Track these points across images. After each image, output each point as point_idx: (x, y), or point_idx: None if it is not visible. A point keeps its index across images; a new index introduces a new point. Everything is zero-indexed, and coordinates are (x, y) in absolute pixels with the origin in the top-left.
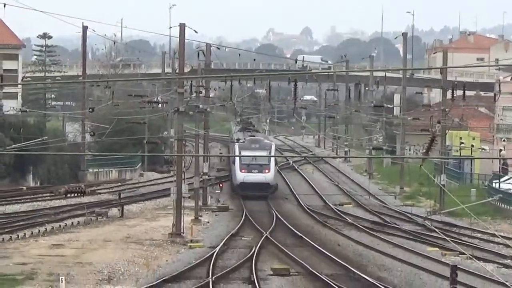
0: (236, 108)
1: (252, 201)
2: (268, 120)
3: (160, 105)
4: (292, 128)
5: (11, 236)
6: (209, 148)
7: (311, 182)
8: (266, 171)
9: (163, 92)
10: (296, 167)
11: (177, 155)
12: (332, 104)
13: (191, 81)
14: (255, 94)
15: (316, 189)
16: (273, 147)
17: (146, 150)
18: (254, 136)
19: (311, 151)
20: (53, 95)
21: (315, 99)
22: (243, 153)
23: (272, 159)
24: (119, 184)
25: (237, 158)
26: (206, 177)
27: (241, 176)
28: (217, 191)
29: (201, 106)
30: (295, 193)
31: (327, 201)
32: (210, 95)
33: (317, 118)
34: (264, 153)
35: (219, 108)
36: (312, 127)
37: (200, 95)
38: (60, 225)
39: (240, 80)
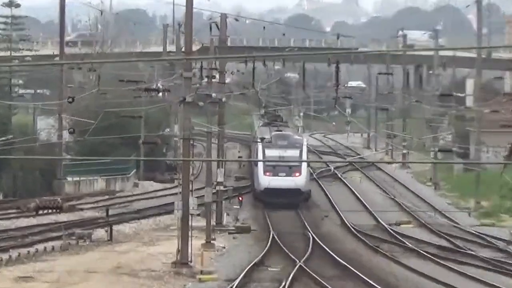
0: (260, 97)
1: (281, 219)
2: (301, 114)
3: (160, 93)
4: (333, 124)
5: None
6: (224, 150)
7: (358, 195)
8: (297, 174)
9: (164, 77)
10: (339, 175)
11: (183, 159)
12: (385, 92)
13: (201, 63)
14: (285, 79)
15: (365, 204)
16: (305, 144)
17: (143, 152)
18: (281, 131)
19: (359, 154)
20: (21, 81)
21: (364, 85)
22: (268, 152)
23: (304, 159)
24: (107, 197)
25: (260, 158)
26: (221, 188)
27: (265, 180)
28: (235, 207)
29: (214, 95)
30: (337, 208)
31: (379, 220)
32: (226, 81)
33: (366, 110)
34: (294, 152)
35: (237, 98)
36: (360, 123)
37: (213, 80)
38: (29, 252)
39: (265, 61)
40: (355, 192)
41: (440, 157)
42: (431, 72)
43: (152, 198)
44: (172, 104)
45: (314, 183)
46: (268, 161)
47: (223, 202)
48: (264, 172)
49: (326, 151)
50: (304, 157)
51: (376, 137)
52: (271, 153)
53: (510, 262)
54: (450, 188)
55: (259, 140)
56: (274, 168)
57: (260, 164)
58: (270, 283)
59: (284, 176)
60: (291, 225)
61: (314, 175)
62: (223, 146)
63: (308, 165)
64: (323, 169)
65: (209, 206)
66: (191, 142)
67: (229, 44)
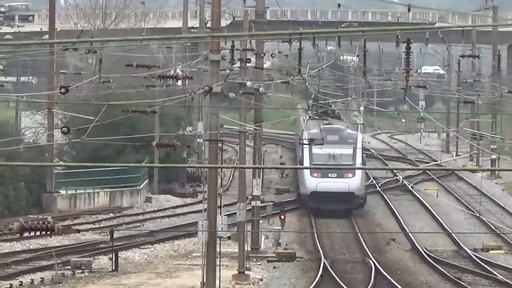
0: (309, 86)
1: (335, 243)
2: (362, 108)
3: (180, 82)
4: (403, 120)
5: None
6: (263, 155)
7: (434, 212)
8: (350, 175)
9: (185, 61)
10: (410, 187)
11: (209, 166)
12: (470, 80)
13: (233, 42)
14: (341, 63)
15: (443, 224)
16: (359, 140)
17: (157, 158)
18: (331, 124)
19: (435, 160)
20: (0, 66)
21: (442, 71)
22: (315, 149)
23: (359, 158)
24: (111, 215)
25: (306, 157)
26: (258, 203)
27: (312, 182)
28: (276, 227)
29: (249, 83)
30: (407, 229)
31: (461, 244)
32: (265, 66)
33: (444, 103)
34: (347, 150)
35: (280, 88)
36: (437, 120)
37: (248, 65)
38: (11, 285)
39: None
40: (430, 209)
41: None
42: None
43: (169, 216)
44: (195, 96)
45: (377, 196)
46: (317, 168)
47: (261, 221)
48: (311, 173)
49: (393, 156)
50: (359, 155)
51: (457, 138)
52: (320, 150)
53: None
54: None
55: (306, 142)
56: (322, 169)
57: (307, 163)
58: None
59: (334, 177)
60: (348, 251)
61: (378, 186)
62: (260, 149)
63: (364, 164)
64: (390, 179)
65: (242, 227)
66: (220, 144)
67: (268, 17)
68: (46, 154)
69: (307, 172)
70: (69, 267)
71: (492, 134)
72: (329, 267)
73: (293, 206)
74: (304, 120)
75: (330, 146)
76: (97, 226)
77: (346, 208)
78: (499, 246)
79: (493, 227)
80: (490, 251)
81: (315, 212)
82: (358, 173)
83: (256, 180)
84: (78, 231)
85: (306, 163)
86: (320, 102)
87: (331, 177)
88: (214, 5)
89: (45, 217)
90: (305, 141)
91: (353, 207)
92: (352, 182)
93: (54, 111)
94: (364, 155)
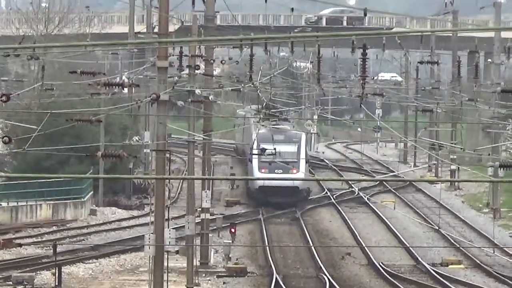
0: (260, 94)
1: (288, 257)
2: (316, 116)
3: (126, 90)
4: (359, 130)
5: None
6: (212, 166)
7: (391, 225)
8: (294, 170)
9: (131, 68)
10: (366, 199)
11: (156, 177)
12: (429, 87)
13: (181, 48)
14: (294, 70)
15: (401, 237)
16: (303, 139)
17: (102, 169)
18: (278, 125)
19: (392, 171)
20: None
21: (400, 78)
22: (263, 146)
23: (302, 155)
24: (54, 228)
25: (254, 137)
26: (207, 216)
27: (260, 177)
28: (226, 241)
29: (198, 91)
30: (362, 243)
31: (419, 258)
32: (215, 72)
33: (402, 112)
34: (291, 147)
35: (230, 95)
36: (394, 129)
37: (197, 72)
38: None
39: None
40: (387, 222)
41: (502, 174)
42: (489, 61)
43: (115, 230)
44: (142, 104)
45: (332, 209)
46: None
47: (210, 235)
48: (259, 168)
49: (348, 166)
50: (303, 152)
51: (415, 147)
52: (267, 147)
53: None
54: None
55: (256, 153)
56: (270, 164)
57: (255, 161)
58: None
59: (281, 173)
60: (301, 265)
61: (332, 198)
62: (210, 160)
63: (307, 162)
64: (345, 190)
65: (191, 241)
66: (168, 155)
67: (218, 22)
68: None
69: (255, 168)
70: (10, 283)
71: (451, 143)
72: (281, 283)
73: (244, 219)
74: (255, 128)
75: (276, 144)
76: (40, 239)
77: (291, 201)
78: (459, 261)
79: (452, 241)
80: (450, 266)
81: (263, 205)
82: (302, 169)
83: (205, 192)
84: (20, 245)
85: (255, 161)
86: (272, 110)
87: (278, 173)
88: (162, 9)
89: None
90: (256, 151)
91: (297, 200)
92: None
93: None
94: (307, 152)
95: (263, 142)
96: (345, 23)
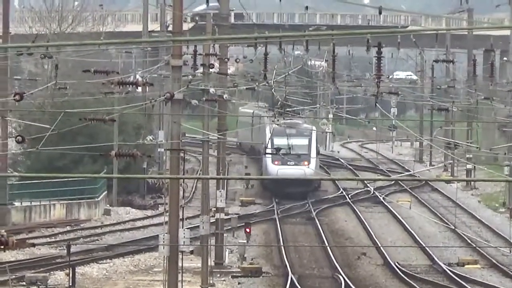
0: (275, 93)
1: (303, 257)
2: (331, 115)
3: (140, 88)
4: (374, 129)
5: None
6: (227, 166)
7: (407, 225)
8: (306, 163)
9: (145, 67)
10: (381, 198)
11: (170, 177)
12: (444, 86)
13: (195, 47)
14: (309, 68)
15: (417, 237)
16: (314, 133)
17: (116, 168)
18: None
19: (408, 170)
20: None
21: (415, 77)
22: (276, 140)
23: (313, 148)
24: (68, 228)
25: (268, 136)
26: (222, 216)
27: (273, 169)
28: (241, 241)
29: (212, 90)
30: (378, 243)
31: (435, 258)
32: (229, 71)
33: (417, 111)
34: (303, 140)
35: (245, 94)
36: (410, 128)
37: (211, 70)
38: None
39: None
40: (403, 221)
41: None
42: (505, 59)
43: (129, 230)
44: (156, 103)
45: (347, 208)
46: (277, 144)
47: (225, 235)
48: (273, 161)
49: (363, 166)
50: (314, 146)
51: (431, 147)
52: (280, 141)
53: None
54: None
55: (270, 152)
56: (282, 157)
57: (267, 139)
58: None
59: (293, 165)
60: (317, 266)
61: (348, 197)
62: (225, 159)
63: (318, 154)
64: (360, 190)
65: (205, 241)
66: (182, 154)
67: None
68: (0, 164)
69: (269, 162)
70: (24, 283)
71: (467, 142)
72: (296, 283)
73: (259, 219)
74: (270, 128)
75: (289, 137)
76: (53, 240)
77: (303, 192)
78: (475, 261)
79: (468, 241)
80: (466, 266)
81: (276, 194)
82: (313, 161)
83: (220, 192)
84: (33, 245)
85: (267, 139)
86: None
87: (290, 165)
88: (176, 8)
89: None
90: (269, 150)
91: (308, 190)
92: (308, 169)
93: (8, 119)
94: (318, 145)
95: (276, 136)
96: (360, 21)
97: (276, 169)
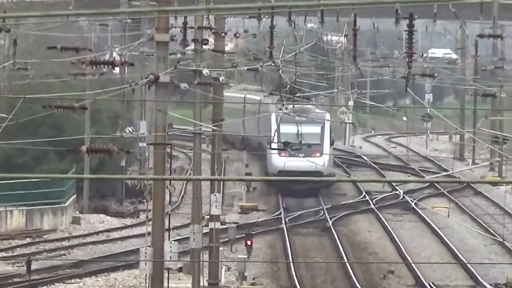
0: (283, 75)
1: (316, 275)
2: (351, 103)
3: (118, 69)
4: (404, 119)
5: None
6: (223, 164)
7: (444, 236)
8: (317, 154)
9: (124, 43)
10: (413, 204)
11: (154, 177)
12: (490, 67)
13: (185, 18)
14: (325, 45)
15: (456, 251)
16: (327, 119)
17: (88, 167)
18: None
19: (446, 170)
20: None
21: (454, 55)
22: (283, 128)
23: (327, 137)
24: (28, 240)
25: (273, 127)
26: (218, 225)
27: (280, 161)
28: (241, 256)
29: (206, 71)
30: (409, 259)
31: (479, 278)
32: (227, 48)
33: (457, 97)
34: (314, 128)
35: (246, 76)
36: (448, 118)
37: (205, 47)
38: None
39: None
40: (439, 232)
41: None
42: None
43: (103, 242)
44: (137, 87)
45: (371, 216)
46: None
47: (221, 248)
48: (279, 152)
49: (391, 164)
50: (327, 135)
51: (474, 141)
52: (288, 129)
53: None
54: None
55: (276, 146)
56: (290, 147)
57: (274, 143)
58: None
59: (302, 156)
60: (334, 286)
61: (372, 202)
62: (221, 156)
63: (332, 144)
64: (387, 194)
65: (197, 256)
66: (168, 149)
67: None
68: None
69: (274, 151)
70: None
71: None
72: None
73: (262, 229)
74: (275, 120)
75: (298, 125)
76: (10, 254)
77: (313, 188)
78: None
79: None
80: None
81: (282, 192)
82: (326, 151)
83: (214, 196)
84: None
85: (274, 142)
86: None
87: (299, 156)
88: None
89: None
90: (275, 145)
91: (320, 187)
92: (320, 161)
93: None
94: (333, 134)
95: (283, 123)
96: None
97: (283, 162)
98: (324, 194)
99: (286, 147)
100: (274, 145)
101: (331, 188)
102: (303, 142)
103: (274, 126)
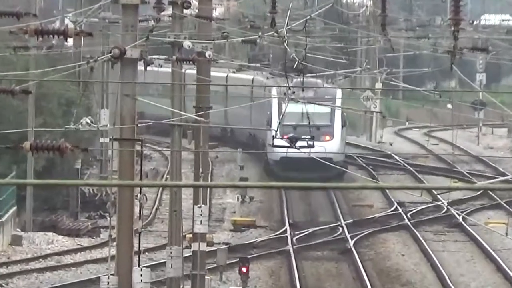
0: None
1: None
2: (380, 84)
3: (70, 41)
4: (449, 106)
5: None
6: (210, 166)
7: (501, 261)
8: (327, 137)
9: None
10: (460, 218)
11: (120, 183)
12: None
13: None
14: (343, 9)
15: None
16: (338, 96)
17: (32, 170)
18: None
19: (505, 174)
20: None
21: None
22: (288, 106)
23: (338, 117)
24: None
25: (274, 116)
26: (203, 247)
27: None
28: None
29: (188, 44)
30: None
31: None
32: (216, 14)
33: None
34: (324, 108)
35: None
36: (506, 105)
37: (186, 12)
38: None
39: None
40: (495, 256)
41: None
42: None
43: (52, 269)
44: (97, 65)
45: (405, 234)
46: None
47: (208, 277)
48: (281, 135)
49: (431, 166)
50: (338, 115)
51: None
52: (292, 108)
53: None
54: None
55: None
56: (294, 129)
57: (275, 123)
58: None
59: (309, 140)
60: None
61: (406, 216)
62: (207, 155)
63: (344, 126)
64: (426, 205)
65: (177, 286)
66: (139, 146)
67: None
68: None
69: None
70: None
71: None
72: None
73: (262, 251)
74: (281, 103)
75: (304, 103)
76: None
77: (322, 177)
78: None
79: None
80: None
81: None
82: (337, 134)
83: (199, 208)
84: None
85: (275, 122)
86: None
87: (306, 140)
88: None
89: None
90: (279, 141)
91: (330, 176)
92: (330, 146)
93: None
94: (345, 114)
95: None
96: None
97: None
98: (342, 203)
99: (293, 144)
100: (275, 136)
101: (343, 179)
102: (310, 123)
103: (275, 108)
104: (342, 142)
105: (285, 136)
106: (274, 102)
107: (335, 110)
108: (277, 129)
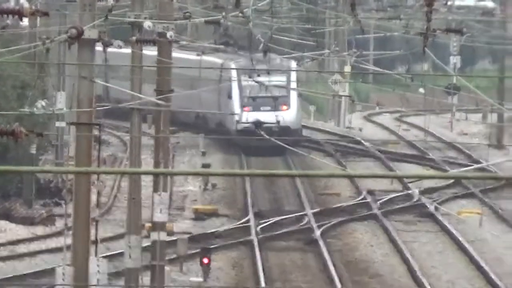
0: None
1: None
2: (349, 67)
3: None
4: (421, 90)
5: None
6: (171, 152)
7: (474, 254)
8: (284, 107)
9: None
10: (432, 208)
11: (76, 170)
12: None
13: None
14: None
15: (491, 274)
16: (293, 67)
17: None
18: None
19: (478, 161)
20: None
21: (491, 4)
22: (244, 81)
23: (293, 87)
24: None
25: (234, 89)
26: (163, 236)
27: (242, 116)
28: (194, 279)
29: (148, 24)
30: (426, 284)
31: None
32: None
33: (494, 62)
34: (279, 77)
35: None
36: (481, 90)
37: None
38: None
39: None
40: (468, 248)
41: None
42: None
43: (4, 259)
44: (53, 46)
45: (374, 225)
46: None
47: (167, 268)
48: (241, 106)
49: (402, 153)
50: (294, 84)
51: None
52: (250, 82)
53: None
54: None
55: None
56: (254, 100)
57: (236, 95)
58: None
59: (268, 110)
60: None
61: (375, 206)
62: (168, 141)
63: (300, 95)
64: (396, 194)
65: (135, 278)
66: (97, 131)
67: None
68: None
69: (236, 105)
70: None
71: None
72: None
73: (225, 242)
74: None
75: (261, 76)
76: None
77: (278, 145)
78: None
79: None
80: None
81: (244, 151)
82: (293, 104)
83: (159, 196)
84: None
85: (236, 95)
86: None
87: (264, 111)
88: None
89: None
90: (244, 124)
91: (289, 143)
92: (287, 115)
93: None
94: (299, 84)
95: (245, 73)
96: None
97: (245, 117)
98: (309, 191)
99: (258, 129)
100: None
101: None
102: (268, 94)
103: (234, 84)
104: (298, 111)
105: (250, 119)
106: (234, 77)
107: (291, 81)
108: (239, 102)
